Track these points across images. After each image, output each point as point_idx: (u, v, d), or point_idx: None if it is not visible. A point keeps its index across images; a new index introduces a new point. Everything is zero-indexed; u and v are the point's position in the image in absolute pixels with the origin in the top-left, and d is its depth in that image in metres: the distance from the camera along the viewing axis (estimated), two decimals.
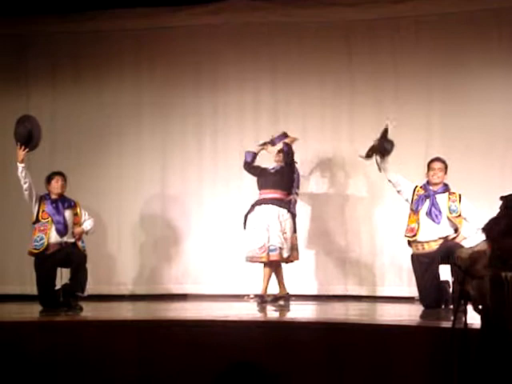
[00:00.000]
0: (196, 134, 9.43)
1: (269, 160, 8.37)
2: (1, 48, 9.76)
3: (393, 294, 8.70)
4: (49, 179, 7.97)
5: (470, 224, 7.28)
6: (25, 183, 7.81)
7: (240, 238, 8.38)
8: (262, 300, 7.99)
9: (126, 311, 8.38)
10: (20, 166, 7.78)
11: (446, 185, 7.50)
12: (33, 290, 7.99)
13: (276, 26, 9.27)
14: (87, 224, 7.99)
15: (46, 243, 7.74)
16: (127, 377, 5.95)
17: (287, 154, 8.14)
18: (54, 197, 7.93)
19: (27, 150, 7.82)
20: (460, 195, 7.43)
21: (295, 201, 8.24)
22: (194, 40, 9.42)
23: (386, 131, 7.50)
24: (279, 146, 8.22)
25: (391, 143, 7.48)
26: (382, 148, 7.45)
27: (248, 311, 7.43)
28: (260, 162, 8.40)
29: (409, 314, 7.24)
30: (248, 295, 8.62)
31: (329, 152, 9.15)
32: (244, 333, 5.93)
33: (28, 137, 7.85)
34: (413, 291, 7.99)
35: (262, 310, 7.68)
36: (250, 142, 9.05)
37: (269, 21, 9.27)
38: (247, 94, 9.34)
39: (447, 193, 7.46)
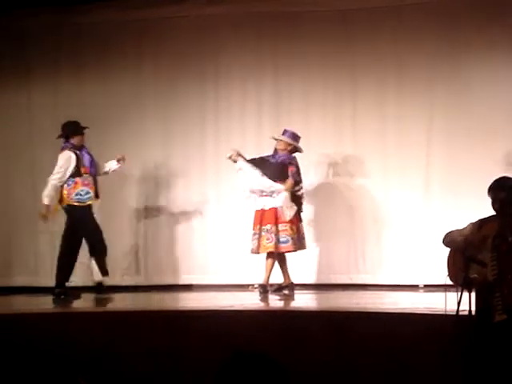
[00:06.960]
0: (198, 125, 9.42)
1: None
2: (1, 40, 9.74)
3: (397, 282, 8.70)
4: None
5: None
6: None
7: (245, 227, 8.38)
8: (265, 290, 7.99)
9: (131, 302, 8.40)
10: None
11: None
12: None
13: (277, 16, 9.24)
14: None
15: None
16: (135, 367, 5.97)
17: (297, 171, 8.14)
18: None
19: None
20: None
21: (302, 193, 8.26)
22: (195, 30, 9.39)
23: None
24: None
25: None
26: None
27: (253, 301, 7.44)
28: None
29: (412, 302, 7.25)
30: (253, 285, 8.62)
31: (332, 142, 9.12)
32: (249, 322, 5.96)
33: None
34: (416, 279, 7.98)
35: (265, 299, 7.68)
36: (252, 132, 9.07)
37: (270, 10, 9.26)
38: (249, 83, 9.30)
39: None
